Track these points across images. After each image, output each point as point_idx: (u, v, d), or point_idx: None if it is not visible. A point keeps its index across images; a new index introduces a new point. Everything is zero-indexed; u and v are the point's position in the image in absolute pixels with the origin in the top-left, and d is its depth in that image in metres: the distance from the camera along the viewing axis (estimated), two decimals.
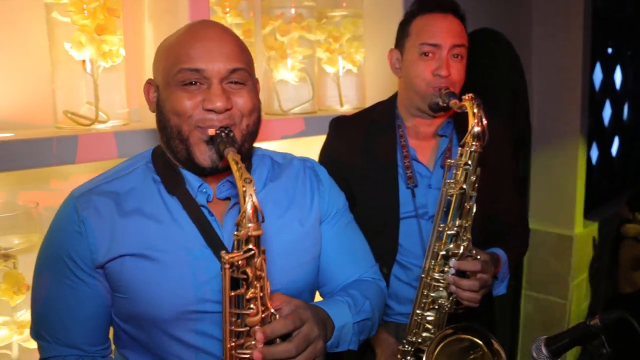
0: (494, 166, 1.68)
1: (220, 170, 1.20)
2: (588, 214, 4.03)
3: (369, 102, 2.34)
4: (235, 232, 1.01)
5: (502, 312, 3.61)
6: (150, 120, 1.29)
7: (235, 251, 1.01)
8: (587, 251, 3.92)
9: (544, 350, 1.08)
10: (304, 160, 1.44)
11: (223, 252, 1.01)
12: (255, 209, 1.00)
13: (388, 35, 2.34)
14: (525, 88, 3.64)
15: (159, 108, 1.21)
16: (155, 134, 1.35)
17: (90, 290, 1.19)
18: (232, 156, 1.06)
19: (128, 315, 1.20)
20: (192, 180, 1.23)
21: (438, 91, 1.61)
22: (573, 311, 3.78)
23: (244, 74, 1.20)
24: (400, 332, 1.73)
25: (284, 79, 2.05)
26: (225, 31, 1.23)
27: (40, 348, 1.23)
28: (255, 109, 1.23)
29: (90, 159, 1.54)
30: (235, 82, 1.18)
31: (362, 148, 1.74)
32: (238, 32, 1.89)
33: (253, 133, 1.23)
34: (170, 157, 1.24)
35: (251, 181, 1.00)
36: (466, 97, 1.52)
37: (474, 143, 1.49)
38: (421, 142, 1.75)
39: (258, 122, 1.24)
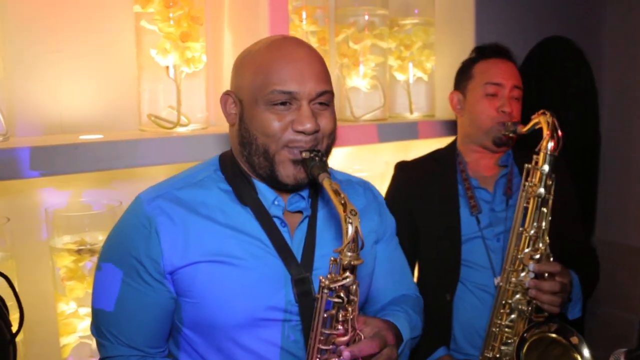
0: (559, 200, 1.69)
1: (298, 189, 1.24)
2: None
3: (438, 110, 2.35)
4: (334, 258, 1.06)
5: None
6: (227, 125, 1.33)
7: (333, 276, 1.06)
8: None
9: None
10: (363, 182, 1.48)
11: (321, 277, 1.07)
12: (357, 241, 1.03)
13: (459, 43, 2.35)
14: (595, 97, 3.54)
15: (242, 123, 1.22)
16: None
17: (156, 294, 1.19)
18: (329, 183, 1.09)
19: (194, 321, 1.21)
20: (265, 192, 1.25)
21: (503, 125, 1.75)
22: None
23: (329, 96, 1.22)
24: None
25: (356, 86, 2.08)
26: (313, 51, 1.25)
27: (100, 346, 1.24)
28: (335, 129, 1.26)
29: (172, 161, 1.61)
30: (321, 103, 1.21)
31: (426, 186, 1.85)
32: (313, 40, 1.94)
33: (330, 152, 1.27)
34: (244, 168, 1.26)
35: (356, 214, 1.03)
36: (535, 115, 1.63)
37: (549, 146, 1.58)
38: (483, 171, 1.85)
39: (334, 141, 1.27)
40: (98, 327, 1.23)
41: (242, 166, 1.26)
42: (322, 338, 1.08)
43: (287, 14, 1.74)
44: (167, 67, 1.67)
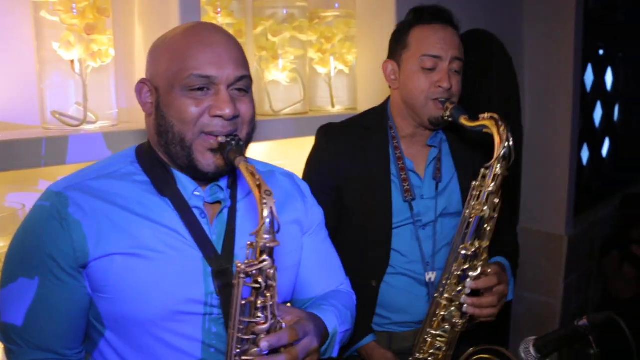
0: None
1: (218, 177, 1.22)
2: (578, 214, 4.05)
3: (361, 103, 2.34)
4: (250, 242, 1.03)
5: None
6: (139, 121, 1.28)
7: (249, 260, 1.03)
8: (577, 251, 3.93)
9: (532, 350, 1.08)
10: (287, 173, 1.46)
11: (238, 262, 1.04)
12: (273, 222, 1.01)
13: (380, 36, 2.35)
14: (517, 90, 3.65)
15: (158, 112, 1.19)
16: (143, 134, 1.34)
17: (71, 292, 1.15)
18: (245, 166, 1.07)
19: (111, 318, 1.17)
20: (185, 182, 1.23)
21: (441, 105, 1.60)
22: (563, 311, 3.80)
23: (248, 82, 1.21)
24: (393, 342, 1.73)
25: (276, 80, 2.04)
26: (230, 36, 1.23)
27: (9, 353, 1.18)
28: (254, 116, 1.24)
29: (80, 160, 1.53)
30: (240, 89, 1.19)
31: (353, 156, 1.71)
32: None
33: (250, 140, 1.25)
34: (164, 158, 1.23)
35: (271, 194, 1.02)
36: (485, 115, 1.50)
37: (499, 165, 1.47)
38: (414, 152, 1.74)
39: (255, 129, 1.26)
40: (6, 334, 1.16)
41: (161, 156, 1.23)
42: (241, 327, 1.05)
43: (199, 5, 1.69)
44: (72, 61, 1.59)
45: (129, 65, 1.80)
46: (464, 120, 1.54)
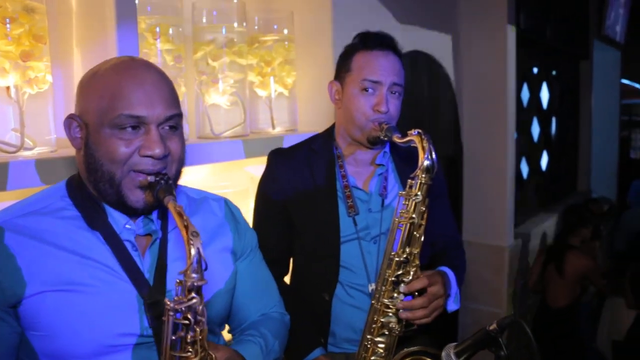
0: (432, 191, 1.77)
1: (147, 212, 1.23)
2: (519, 226, 4.22)
3: (301, 125, 2.41)
4: (179, 280, 1.05)
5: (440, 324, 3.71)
6: None
7: (179, 297, 1.06)
8: (519, 262, 4.09)
9: (452, 356, 1.15)
10: (219, 199, 1.47)
11: (167, 300, 1.06)
12: (200, 262, 1.04)
13: (318, 59, 2.43)
14: (455, 108, 3.80)
15: (88, 149, 1.18)
16: None
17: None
18: (174, 206, 1.09)
19: (45, 353, 1.16)
20: (116, 216, 1.22)
21: (378, 125, 1.68)
22: None
23: (179, 120, 1.22)
24: None
25: (216, 103, 2.08)
26: (161, 74, 1.23)
27: None
28: (184, 153, 1.25)
29: (17, 187, 1.52)
30: (170, 127, 1.20)
31: (301, 176, 1.79)
32: (169, 58, 1.92)
33: (179, 177, 1.27)
34: (94, 193, 1.23)
35: (198, 235, 1.04)
36: (412, 132, 1.59)
37: (424, 175, 1.57)
38: (360, 169, 1.82)
39: (183, 165, 1.27)
40: None
41: (92, 190, 1.22)
42: None
43: (137, 31, 1.72)
44: (8, 88, 1.59)
45: (68, 91, 1.81)
46: (396, 138, 1.63)
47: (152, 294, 1.20)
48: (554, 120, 5.47)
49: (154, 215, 1.27)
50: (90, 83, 1.20)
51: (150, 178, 1.15)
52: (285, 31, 2.32)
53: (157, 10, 1.90)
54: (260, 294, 1.47)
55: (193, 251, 1.03)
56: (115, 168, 1.16)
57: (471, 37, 3.78)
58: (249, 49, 2.24)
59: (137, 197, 1.18)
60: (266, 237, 1.82)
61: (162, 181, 1.14)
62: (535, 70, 4.87)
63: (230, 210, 1.46)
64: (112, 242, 1.20)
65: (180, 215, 1.07)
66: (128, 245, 1.22)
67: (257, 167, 2.31)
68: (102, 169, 1.16)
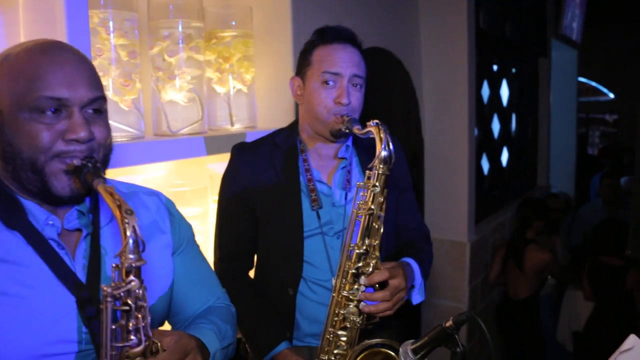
0: (397, 184, 1.78)
1: (75, 201, 1.16)
2: (480, 221, 4.28)
3: (260, 121, 2.39)
4: (115, 264, 1.00)
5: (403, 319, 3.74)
6: None
7: (115, 282, 0.99)
8: (479, 256, 4.14)
9: (410, 353, 1.15)
10: (152, 192, 1.40)
11: (104, 285, 0.99)
12: (137, 241, 0.98)
13: (277, 55, 2.41)
14: (416, 104, 3.82)
15: (3, 136, 1.09)
16: None
17: None
18: (104, 187, 1.03)
19: None
20: (36, 212, 1.13)
21: (340, 118, 1.69)
22: None
23: (103, 103, 1.15)
24: (314, 356, 1.75)
25: (173, 100, 2.04)
26: (82, 55, 1.16)
27: None
28: (110, 138, 1.19)
29: None
30: (95, 111, 1.13)
31: (265, 172, 1.78)
32: (123, 54, 1.88)
33: (107, 163, 1.19)
34: (10, 187, 1.13)
35: (132, 212, 0.99)
36: (370, 123, 1.60)
37: (381, 166, 1.57)
38: (323, 162, 1.82)
39: (111, 151, 1.20)
40: None
41: (7, 184, 1.13)
42: (113, 353, 1.01)
43: (88, 26, 1.67)
44: None
45: None
46: (356, 130, 1.64)
47: (85, 293, 1.11)
48: (513, 116, 5.56)
49: (85, 209, 1.19)
50: (2, 67, 1.10)
51: (77, 161, 1.08)
52: (244, 27, 2.30)
53: (110, 4, 1.84)
54: (200, 288, 1.42)
55: (129, 230, 0.98)
56: (38, 154, 1.07)
57: (431, 33, 3.81)
58: (206, 45, 2.20)
59: (62, 184, 1.09)
60: (230, 232, 1.82)
61: (90, 164, 1.07)
62: (495, 67, 4.94)
63: (163, 204, 1.39)
64: (34, 241, 1.10)
65: (112, 194, 1.01)
66: (53, 244, 1.13)
67: (219, 164, 2.28)
68: (22, 156, 1.08)
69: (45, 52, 1.10)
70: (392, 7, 3.45)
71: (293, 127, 1.87)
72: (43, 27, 1.69)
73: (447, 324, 1.14)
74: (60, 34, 1.63)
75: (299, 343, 1.81)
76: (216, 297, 1.46)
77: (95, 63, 1.76)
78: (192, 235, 1.45)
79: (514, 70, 5.48)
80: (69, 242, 1.16)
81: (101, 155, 1.14)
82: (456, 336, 1.13)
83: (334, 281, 1.71)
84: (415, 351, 1.16)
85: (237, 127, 2.26)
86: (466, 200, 3.90)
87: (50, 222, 1.14)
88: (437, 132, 3.91)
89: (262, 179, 1.78)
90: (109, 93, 1.84)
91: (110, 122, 1.84)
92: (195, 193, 2.15)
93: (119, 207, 0.99)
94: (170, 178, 2.21)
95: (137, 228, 0.98)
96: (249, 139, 2.09)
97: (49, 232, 1.13)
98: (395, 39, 3.46)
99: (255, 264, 1.92)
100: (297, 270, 1.76)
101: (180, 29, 2.05)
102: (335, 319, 1.63)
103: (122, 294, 0.99)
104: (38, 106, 1.06)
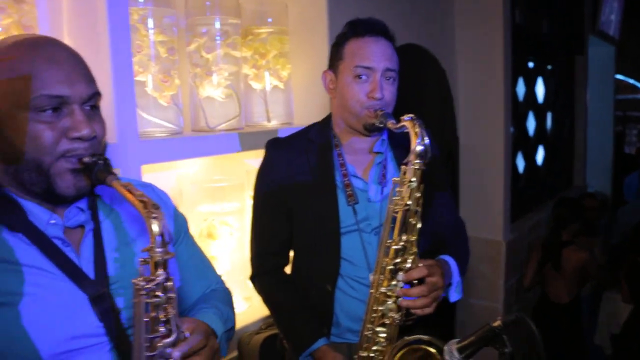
0: (433, 182, 1.74)
1: (78, 199, 1.15)
2: (515, 220, 4.20)
3: (296, 118, 2.38)
4: (143, 259, 1.01)
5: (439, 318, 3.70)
6: None
7: (145, 277, 1.01)
8: (516, 256, 4.07)
9: (455, 352, 1.13)
10: (145, 184, 1.38)
11: (135, 280, 1.01)
12: (163, 234, 0.99)
13: (313, 51, 2.40)
14: (452, 102, 3.77)
15: (1, 138, 1.06)
16: None
17: None
18: (119, 183, 1.03)
19: None
20: (37, 212, 1.11)
21: (374, 112, 1.66)
22: (505, 314, 3.91)
23: (99, 98, 1.14)
24: (353, 352, 1.73)
25: (211, 96, 2.05)
26: (73, 50, 1.13)
27: None
28: (105, 134, 1.18)
29: None
30: (92, 107, 1.12)
31: (300, 167, 1.76)
32: (162, 50, 1.89)
33: None
34: (10, 188, 1.11)
35: (158, 207, 0.99)
36: (404, 117, 1.57)
37: (417, 161, 1.54)
38: (358, 157, 1.79)
39: (106, 148, 1.21)
40: None
41: (6, 186, 1.11)
42: (147, 345, 1.02)
43: (129, 23, 1.68)
44: None
45: None
46: (390, 125, 1.61)
47: (95, 288, 1.11)
48: (549, 114, 5.45)
49: (84, 206, 1.17)
50: None
51: (87, 159, 1.07)
52: (280, 23, 2.29)
53: (149, 1, 1.86)
54: (199, 275, 1.43)
55: (156, 226, 0.99)
56: (43, 155, 1.05)
57: (467, 30, 3.75)
58: (243, 41, 2.21)
59: (67, 184, 1.08)
60: (265, 228, 1.81)
61: (100, 161, 1.06)
62: (530, 64, 4.85)
63: (157, 195, 1.37)
64: (38, 241, 1.09)
65: (131, 192, 1.01)
66: (58, 242, 1.11)
67: (256, 160, 2.28)
68: (26, 158, 1.05)
69: (38, 48, 1.07)
70: (427, 3, 3.41)
71: (326, 122, 1.84)
72: (86, 24, 1.71)
73: (495, 324, 1.11)
74: (102, 31, 1.65)
75: (337, 340, 1.78)
76: (215, 282, 1.46)
77: (134, 59, 1.80)
78: (187, 226, 1.45)
79: (549, 67, 5.38)
80: (73, 239, 1.16)
81: (101, 151, 1.14)
82: (504, 336, 1.09)
83: (371, 277, 1.70)
84: (460, 350, 1.13)
85: (274, 124, 2.26)
86: (502, 198, 3.83)
87: (53, 222, 1.13)
88: (472, 129, 3.86)
89: (297, 174, 1.76)
90: (148, 89, 1.86)
91: (150, 117, 1.88)
92: (232, 188, 2.16)
93: (144, 202, 1.00)
94: (208, 173, 2.22)
95: (165, 222, 1.00)
96: (285, 135, 2.09)
97: (54, 231, 1.12)
98: (430, 36, 3.42)
99: (291, 260, 1.91)
100: (335, 268, 1.74)
101: (217, 25, 2.06)
102: (374, 315, 1.61)
103: (153, 286, 1.01)
104: (37, 105, 1.04)
